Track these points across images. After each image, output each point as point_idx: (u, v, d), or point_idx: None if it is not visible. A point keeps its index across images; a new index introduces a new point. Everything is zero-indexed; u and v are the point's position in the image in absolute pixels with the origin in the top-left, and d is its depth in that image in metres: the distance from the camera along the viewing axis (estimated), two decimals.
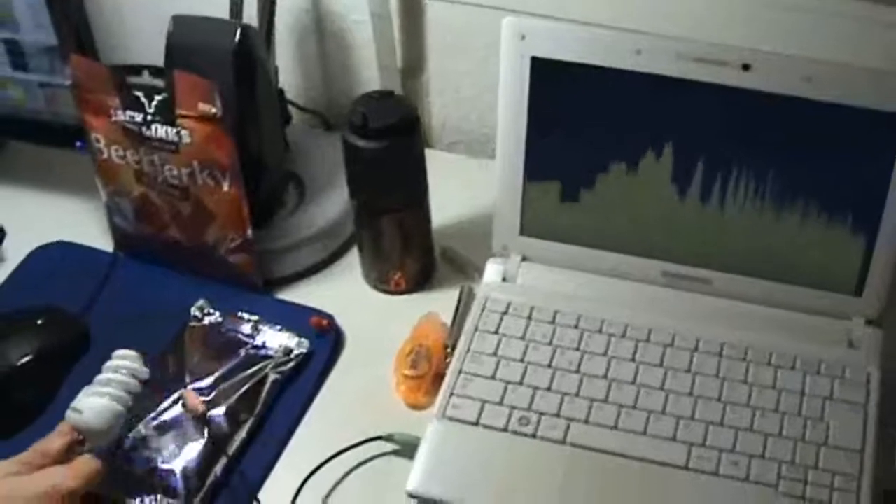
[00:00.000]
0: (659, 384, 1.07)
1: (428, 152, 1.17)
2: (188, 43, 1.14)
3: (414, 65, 1.40)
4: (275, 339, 1.15)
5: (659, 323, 1.12)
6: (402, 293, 1.23)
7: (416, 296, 1.23)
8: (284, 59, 1.37)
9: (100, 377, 1.03)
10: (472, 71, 1.37)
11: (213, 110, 1.10)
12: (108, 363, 1.04)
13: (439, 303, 1.19)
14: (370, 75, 1.41)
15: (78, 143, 1.20)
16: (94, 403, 1.00)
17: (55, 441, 0.98)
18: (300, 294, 1.23)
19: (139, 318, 1.18)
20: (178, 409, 1.09)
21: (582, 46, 1.06)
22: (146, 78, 1.12)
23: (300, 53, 1.43)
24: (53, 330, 1.17)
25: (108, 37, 1.27)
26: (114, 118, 1.15)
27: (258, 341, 1.15)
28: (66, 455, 0.98)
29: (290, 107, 1.31)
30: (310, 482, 1.04)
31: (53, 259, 1.28)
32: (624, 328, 1.12)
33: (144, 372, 1.04)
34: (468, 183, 1.29)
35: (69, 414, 1.00)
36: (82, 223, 1.32)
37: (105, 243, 1.29)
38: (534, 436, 1.04)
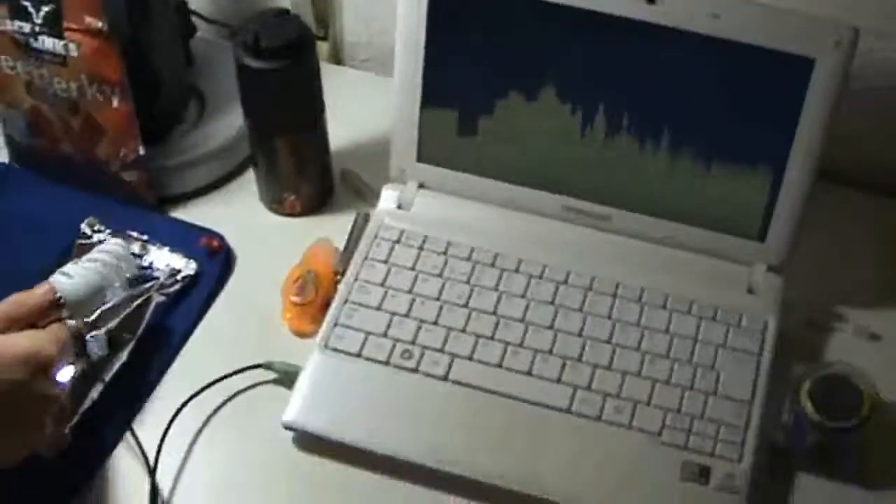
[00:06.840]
0: (549, 323, 1.05)
1: (337, 70, 1.13)
2: None
3: None
4: (162, 259, 1.11)
5: (554, 259, 1.09)
6: (297, 216, 1.19)
7: (312, 219, 1.19)
8: None
9: (92, 255, 1.04)
10: None
11: (100, 24, 1.06)
12: (102, 247, 1.06)
13: (335, 227, 1.16)
14: None
15: None
16: (85, 273, 1.00)
17: (37, 296, 0.95)
18: (194, 213, 1.19)
19: (29, 232, 1.15)
20: None
21: None
22: None
23: None
24: None
25: None
26: (1, 27, 1.10)
27: (145, 261, 1.11)
28: (43, 316, 0.94)
29: (194, 19, 1.26)
30: (187, 409, 1.02)
31: None
32: (517, 263, 1.09)
33: (132, 267, 1.07)
34: (376, 102, 1.21)
35: (57, 276, 0.99)
36: None
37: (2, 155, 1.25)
38: (415, 370, 1.02)
